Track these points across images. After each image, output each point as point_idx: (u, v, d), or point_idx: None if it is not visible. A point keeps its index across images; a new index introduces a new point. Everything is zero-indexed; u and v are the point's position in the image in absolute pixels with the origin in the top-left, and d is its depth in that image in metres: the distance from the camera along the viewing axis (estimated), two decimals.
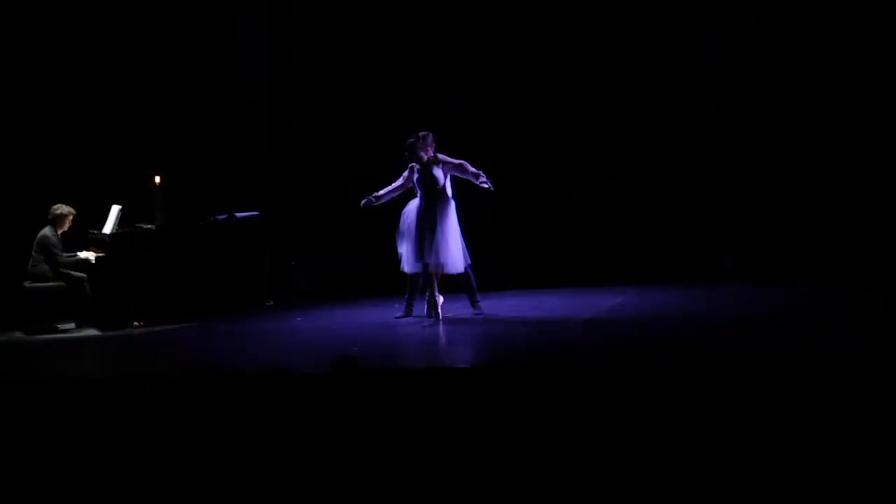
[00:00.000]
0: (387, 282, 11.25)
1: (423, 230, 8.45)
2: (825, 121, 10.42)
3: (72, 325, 10.12)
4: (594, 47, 11.05)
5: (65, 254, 9.90)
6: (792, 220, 10.50)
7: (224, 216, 10.73)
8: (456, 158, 8.59)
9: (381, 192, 8.82)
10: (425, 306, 8.66)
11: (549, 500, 4.35)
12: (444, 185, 8.55)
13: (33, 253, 9.86)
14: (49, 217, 9.91)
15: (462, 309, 8.90)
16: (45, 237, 9.85)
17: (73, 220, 9.99)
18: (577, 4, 11.10)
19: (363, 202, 8.87)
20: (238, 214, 10.81)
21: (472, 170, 8.50)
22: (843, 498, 4.06)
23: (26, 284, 9.88)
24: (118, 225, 10.24)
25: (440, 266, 8.50)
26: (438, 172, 8.53)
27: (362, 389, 5.35)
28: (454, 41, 11.33)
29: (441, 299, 8.66)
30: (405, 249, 8.63)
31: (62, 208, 9.93)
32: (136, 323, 9.96)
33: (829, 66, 10.40)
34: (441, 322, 8.53)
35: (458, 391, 5.47)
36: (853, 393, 4.74)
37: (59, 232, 9.91)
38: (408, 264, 8.66)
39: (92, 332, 9.83)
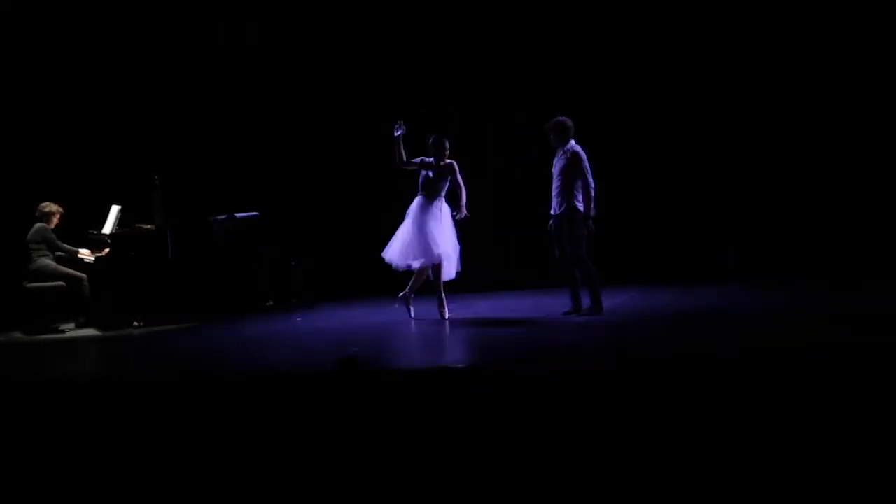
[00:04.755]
0: (386, 282, 11.31)
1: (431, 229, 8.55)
2: (826, 121, 10.43)
3: (72, 325, 10.13)
4: (595, 46, 11.05)
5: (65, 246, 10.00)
6: (793, 219, 10.51)
7: (224, 216, 10.73)
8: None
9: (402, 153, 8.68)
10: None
11: (549, 499, 4.35)
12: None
13: (31, 247, 9.87)
14: (37, 215, 9.95)
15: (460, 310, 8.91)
16: (43, 228, 9.88)
17: (60, 218, 10.02)
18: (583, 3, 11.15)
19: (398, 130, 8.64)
20: (238, 214, 10.81)
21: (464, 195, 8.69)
22: (842, 498, 4.06)
23: (26, 284, 9.89)
24: (118, 225, 10.25)
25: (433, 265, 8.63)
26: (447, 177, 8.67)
27: (364, 389, 5.35)
28: (452, 47, 11.36)
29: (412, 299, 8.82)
30: (412, 244, 8.66)
31: (50, 206, 9.98)
32: (136, 323, 9.96)
33: (829, 69, 10.41)
34: (413, 321, 8.68)
35: (457, 391, 5.47)
36: (852, 392, 4.74)
37: (49, 228, 9.95)
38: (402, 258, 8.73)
39: (92, 332, 9.84)
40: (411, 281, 8.81)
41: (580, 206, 8.30)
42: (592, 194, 8.30)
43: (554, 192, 8.41)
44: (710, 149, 10.81)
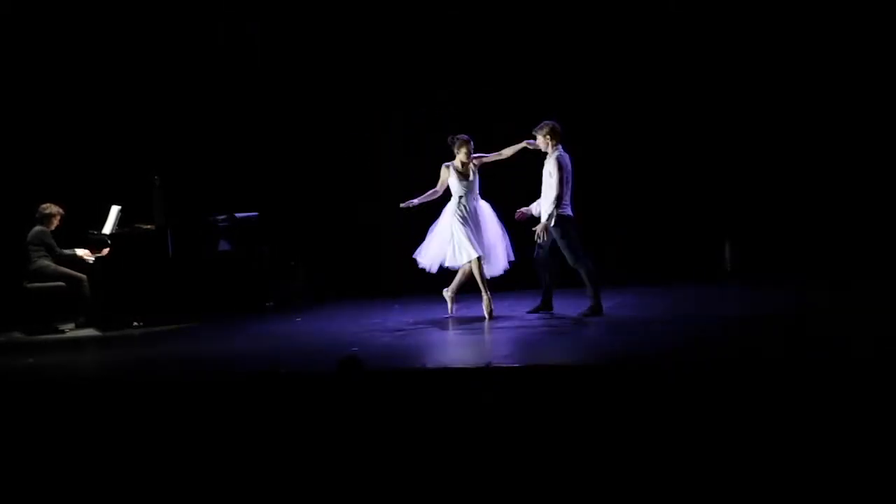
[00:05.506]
0: (386, 282, 11.30)
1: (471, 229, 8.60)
2: (826, 120, 10.42)
3: (72, 325, 10.12)
4: (595, 46, 11.04)
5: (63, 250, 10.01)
6: (793, 219, 10.50)
7: (223, 216, 10.73)
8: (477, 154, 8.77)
9: (416, 200, 8.78)
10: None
11: (549, 499, 4.35)
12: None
13: (31, 248, 9.87)
14: (37, 216, 9.94)
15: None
16: (42, 231, 9.89)
17: (61, 220, 10.01)
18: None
19: (403, 205, 8.78)
20: (237, 215, 10.81)
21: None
22: (841, 498, 4.06)
23: (26, 284, 9.89)
24: (118, 225, 10.25)
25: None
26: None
27: (365, 389, 5.35)
28: (453, 46, 11.35)
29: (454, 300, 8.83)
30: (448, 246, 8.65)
31: (50, 207, 9.97)
32: (135, 323, 9.96)
33: (829, 68, 10.41)
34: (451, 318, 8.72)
35: (457, 391, 5.47)
36: (852, 394, 4.74)
37: (48, 230, 9.95)
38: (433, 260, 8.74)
39: (92, 332, 9.84)
40: (483, 284, 8.64)
41: (568, 211, 8.38)
42: (555, 199, 8.25)
43: (543, 196, 8.50)
44: (710, 148, 10.79)
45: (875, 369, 5.05)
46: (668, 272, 10.55)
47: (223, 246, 10.60)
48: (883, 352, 5.73)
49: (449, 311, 8.84)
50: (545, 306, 8.68)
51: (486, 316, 8.53)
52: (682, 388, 5.06)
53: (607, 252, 10.85)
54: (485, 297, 8.54)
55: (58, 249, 9.91)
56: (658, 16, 10.92)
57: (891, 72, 10.24)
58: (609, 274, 10.61)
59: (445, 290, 8.84)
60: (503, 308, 8.94)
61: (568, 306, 8.83)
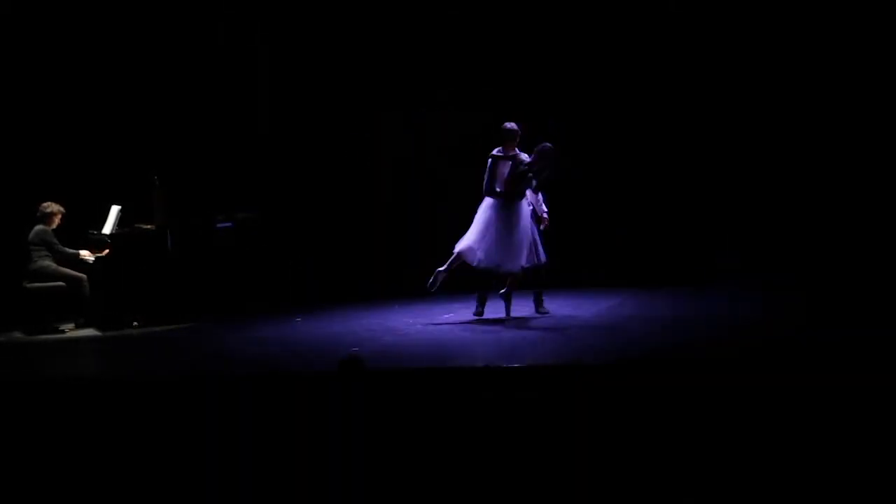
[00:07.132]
0: (386, 282, 11.30)
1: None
2: (827, 119, 10.43)
3: (72, 325, 10.12)
4: (593, 45, 11.05)
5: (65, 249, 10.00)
6: (795, 219, 10.50)
7: (224, 216, 10.73)
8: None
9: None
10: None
11: (549, 499, 4.36)
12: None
13: (31, 248, 9.87)
14: (38, 215, 9.93)
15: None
16: (44, 230, 9.87)
17: (62, 219, 10.00)
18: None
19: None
20: (238, 213, 10.81)
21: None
22: (840, 499, 4.07)
23: (26, 284, 9.88)
24: (118, 225, 10.25)
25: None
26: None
27: (367, 389, 5.35)
28: (454, 46, 11.36)
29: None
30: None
31: (51, 206, 9.96)
32: (135, 323, 9.96)
33: (829, 67, 10.42)
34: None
35: (457, 392, 5.47)
36: (851, 394, 4.74)
37: (50, 229, 9.95)
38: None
39: (92, 332, 9.84)
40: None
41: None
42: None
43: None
44: (709, 148, 10.80)
45: (872, 369, 5.05)
46: (666, 272, 10.56)
47: (223, 245, 10.60)
48: (881, 352, 5.74)
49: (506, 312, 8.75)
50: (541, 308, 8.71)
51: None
52: (681, 388, 5.07)
53: (605, 253, 10.91)
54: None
55: (59, 247, 9.90)
56: (658, 16, 10.93)
57: (890, 72, 10.25)
58: (608, 274, 10.68)
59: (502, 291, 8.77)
60: (500, 309, 8.96)
61: (568, 307, 8.86)
